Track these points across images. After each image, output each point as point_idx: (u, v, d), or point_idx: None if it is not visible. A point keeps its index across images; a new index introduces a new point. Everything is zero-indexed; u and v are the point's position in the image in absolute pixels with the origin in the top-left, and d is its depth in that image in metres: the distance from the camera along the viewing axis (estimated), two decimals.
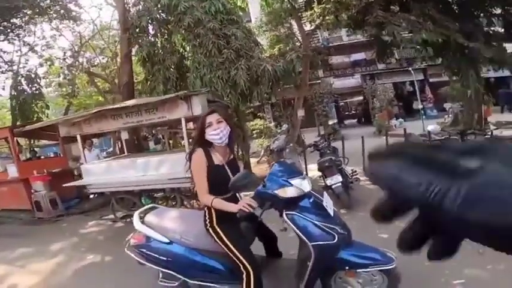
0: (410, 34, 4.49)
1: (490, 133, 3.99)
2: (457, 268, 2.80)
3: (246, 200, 1.98)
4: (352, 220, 4.21)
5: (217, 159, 2.12)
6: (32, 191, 6.82)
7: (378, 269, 2.05)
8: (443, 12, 4.68)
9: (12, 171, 7.29)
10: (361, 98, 21.93)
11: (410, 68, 15.92)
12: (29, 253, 4.82)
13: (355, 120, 23.56)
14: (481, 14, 6.37)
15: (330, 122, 11.19)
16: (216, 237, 2.09)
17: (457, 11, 6.17)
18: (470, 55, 5.88)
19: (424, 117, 14.72)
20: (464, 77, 6.45)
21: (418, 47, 5.20)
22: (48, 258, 4.48)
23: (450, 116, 12.94)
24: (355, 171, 5.41)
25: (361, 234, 3.58)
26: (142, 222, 2.51)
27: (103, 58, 15.10)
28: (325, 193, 2.24)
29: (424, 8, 4.52)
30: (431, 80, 18.24)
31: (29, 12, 9.79)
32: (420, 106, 15.09)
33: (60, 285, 3.62)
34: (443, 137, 4.53)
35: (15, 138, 7.71)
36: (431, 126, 4.58)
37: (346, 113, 28.30)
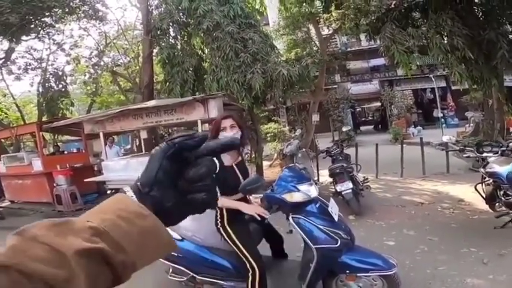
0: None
1: (507, 145, 3.91)
2: (459, 277, 2.82)
3: (259, 208, 2.09)
4: (360, 227, 4.25)
5: (227, 160, 2.25)
6: (54, 184, 7.13)
7: (378, 274, 2.10)
8: (464, 22, 4.60)
9: (37, 165, 7.64)
10: (378, 104, 21.62)
11: (431, 75, 15.53)
12: None
13: (372, 126, 23.24)
14: (507, 22, 6.23)
15: (344, 129, 11.12)
16: (225, 236, 2.21)
17: (481, 19, 6.02)
18: (493, 63, 5.75)
19: (444, 125, 14.37)
20: (487, 85, 6.29)
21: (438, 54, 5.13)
22: None
23: (471, 125, 12.57)
24: (367, 179, 5.42)
25: (368, 241, 3.65)
26: None
27: (126, 58, 15.60)
28: (331, 199, 2.31)
29: (439, 18, 4.45)
30: (454, 87, 17.65)
31: (59, 12, 10.22)
32: (440, 114, 14.73)
33: None
34: (458, 148, 4.46)
35: (41, 133, 8.13)
36: (446, 137, 4.51)
37: (363, 119, 27.99)
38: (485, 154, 3.84)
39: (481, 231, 3.74)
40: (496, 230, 3.59)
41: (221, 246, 2.32)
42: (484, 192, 3.90)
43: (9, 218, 7.24)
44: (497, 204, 3.71)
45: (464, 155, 4.21)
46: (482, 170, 3.80)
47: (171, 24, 7.28)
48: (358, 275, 2.18)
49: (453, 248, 3.38)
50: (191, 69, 7.08)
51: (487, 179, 3.71)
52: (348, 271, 2.15)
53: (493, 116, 8.66)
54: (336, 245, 2.06)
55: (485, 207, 4.05)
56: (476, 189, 3.94)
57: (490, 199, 3.79)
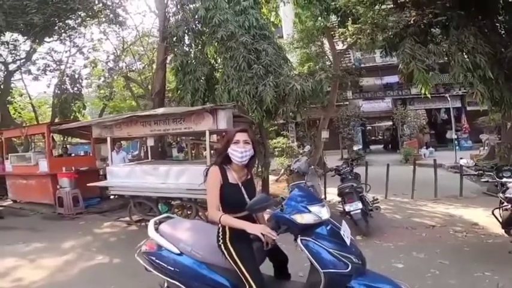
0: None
1: None
2: None
3: (266, 228, 1.97)
4: (368, 248, 4.08)
5: (233, 177, 2.16)
6: (58, 186, 7.10)
7: None
8: (486, 40, 4.45)
9: (43, 166, 7.66)
10: (389, 123, 21.29)
11: (447, 95, 15.18)
12: (41, 248, 4.90)
13: (382, 146, 22.86)
14: None
15: (355, 148, 10.95)
16: (226, 254, 2.10)
17: (504, 36, 5.84)
18: None
19: (457, 147, 13.99)
20: (507, 106, 6.07)
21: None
22: (59, 255, 4.54)
23: (486, 148, 12.20)
24: (377, 199, 5.26)
25: (376, 262, 3.49)
26: (157, 231, 2.53)
27: (140, 64, 15.82)
28: (343, 221, 2.17)
29: (461, 35, 4.32)
30: (469, 108, 17.13)
31: (82, 15, 10.49)
32: (454, 136, 14.37)
33: (63, 283, 3.63)
34: (477, 172, 4.27)
35: (51, 135, 8.17)
36: (464, 160, 4.34)
37: (373, 138, 27.64)
38: (504, 179, 3.77)
39: (495, 255, 3.59)
40: (511, 254, 3.45)
41: (221, 264, 2.19)
42: (501, 217, 3.76)
43: (8, 218, 7.22)
44: None
45: (483, 179, 4.05)
46: (501, 195, 3.70)
47: (186, 31, 7.33)
48: None
49: (466, 272, 3.23)
50: (203, 78, 7.06)
51: (506, 204, 3.59)
52: None
53: (510, 139, 8.37)
54: (346, 270, 1.91)
55: (501, 231, 3.88)
56: (493, 214, 3.80)
57: (507, 224, 3.65)
